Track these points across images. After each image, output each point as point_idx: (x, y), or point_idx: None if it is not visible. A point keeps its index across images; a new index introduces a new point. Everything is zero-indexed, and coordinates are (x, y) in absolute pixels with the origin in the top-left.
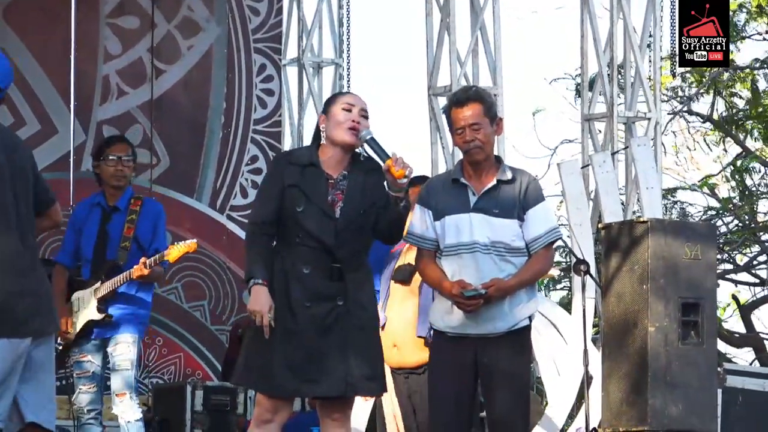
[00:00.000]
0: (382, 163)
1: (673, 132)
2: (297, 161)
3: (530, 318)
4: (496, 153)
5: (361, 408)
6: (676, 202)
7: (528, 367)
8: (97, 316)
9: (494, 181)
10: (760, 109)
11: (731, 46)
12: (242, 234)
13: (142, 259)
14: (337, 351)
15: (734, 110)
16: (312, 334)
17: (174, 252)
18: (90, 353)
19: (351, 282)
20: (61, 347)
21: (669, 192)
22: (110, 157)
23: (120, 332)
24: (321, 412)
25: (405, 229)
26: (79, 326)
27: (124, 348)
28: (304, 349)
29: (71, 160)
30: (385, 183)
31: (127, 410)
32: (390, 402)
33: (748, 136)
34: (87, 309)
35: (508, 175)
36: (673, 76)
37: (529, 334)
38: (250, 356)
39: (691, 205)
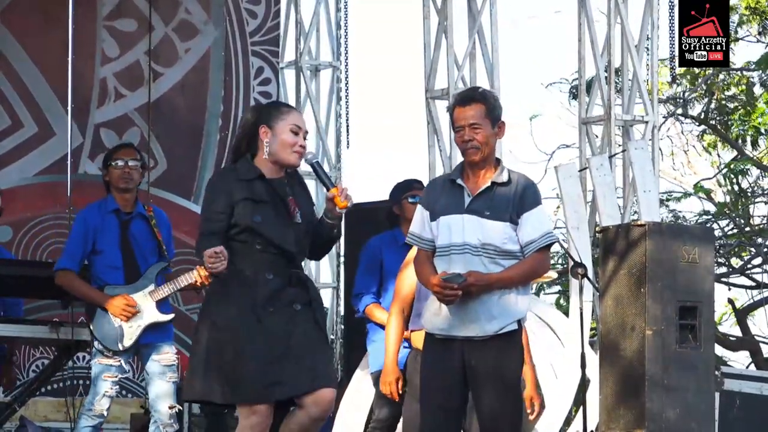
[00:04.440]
0: (325, 189)
1: (669, 136)
2: (244, 177)
3: (519, 322)
4: (499, 158)
5: (359, 411)
6: (671, 211)
7: (517, 371)
8: (163, 318)
9: (488, 183)
10: (757, 117)
11: None
12: None
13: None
14: (301, 353)
15: (727, 113)
16: (276, 338)
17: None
18: (125, 360)
19: (309, 287)
20: (57, 353)
21: (662, 201)
22: (118, 162)
23: (167, 340)
24: (309, 402)
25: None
26: (141, 329)
27: (173, 358)
28: (271, 353)
29: (69, 162)
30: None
31: (171, 422)
32: None
33: (740, 140)
34: (146, 312)
35: (504, 178)
36: (674, 80)
37: (518, 338)
38: (207, 367)
39: (681, 213)
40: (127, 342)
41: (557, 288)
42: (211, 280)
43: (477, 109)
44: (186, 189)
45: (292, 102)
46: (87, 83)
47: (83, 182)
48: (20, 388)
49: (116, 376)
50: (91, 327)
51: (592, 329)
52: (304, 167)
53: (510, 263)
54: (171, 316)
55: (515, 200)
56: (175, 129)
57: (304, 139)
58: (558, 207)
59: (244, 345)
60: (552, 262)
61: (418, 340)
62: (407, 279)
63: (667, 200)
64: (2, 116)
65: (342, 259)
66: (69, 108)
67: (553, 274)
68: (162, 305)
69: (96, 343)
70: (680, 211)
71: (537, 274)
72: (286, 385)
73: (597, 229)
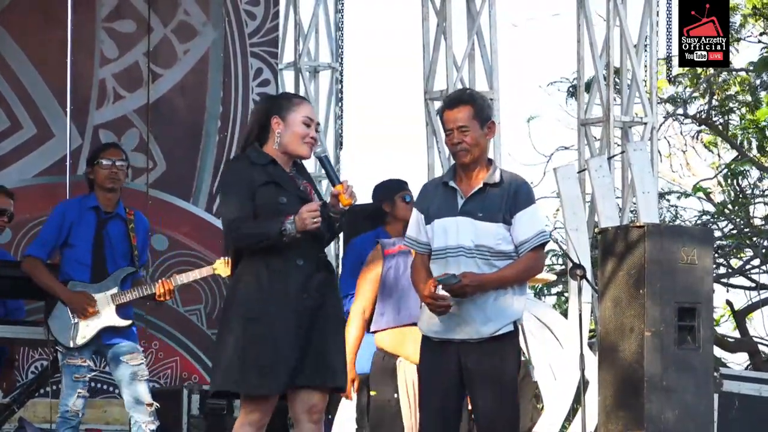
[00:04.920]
0: (331, 185)
1: (666, 138)
2: (257, 162)
3: (515, 324)
4: (491, 158)
5: (353, 412)
6: (672, 206)
7: (514, 372)
8: (121, 323)
9: (480, 184)
10: (762, 120)
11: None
12: None
13: (168, 282)
14: (323, 341)
15: (728, 112)
16: (307, 324)
17: (227, 269)
18: (89, 359)
19: (332, 273)
20: (55, 353)
21: (662, 196)
22: (104, 162)
23: (132, 341)
24: (299, 411)
25: None
26: (95, 330)
27: (141, 357)
28: (303, 341)
29: (68, 164)
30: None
31: (152, 419)
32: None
33: (744, 142)
34: (105, 314)
35: (496, 178)
36: (671, 81)
37: (514, 340)
38: (242, 358)
39: (683, 209)
40: (80, 340)
41: (557, 289)
42: (172, 297)
43: (465, 111)
44: (185, 190)
45: None
46: (86, 84)
47: (82, 183)
48: (19, 389)
49: (85, 377)
50: (48, 321)
51: (590, 330)
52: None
53: (504, 264)
54: (129, 322)
55: (508, 200)
56: (174, 130)
57: (316, 131)
58: (557, 209)
59: (280, 336)
60: (551, 263)
61: (380, 340)
62: (368, 280)
63: (668, 194)
64: (1, 117)
65: (341, 260)
66: (68, 109)
67: (551, 277)
68: (122, 310)
69: (59, 346)
70: (682, 207)
71: (532, 273)
72: (304, 375)
73: (596, 230)
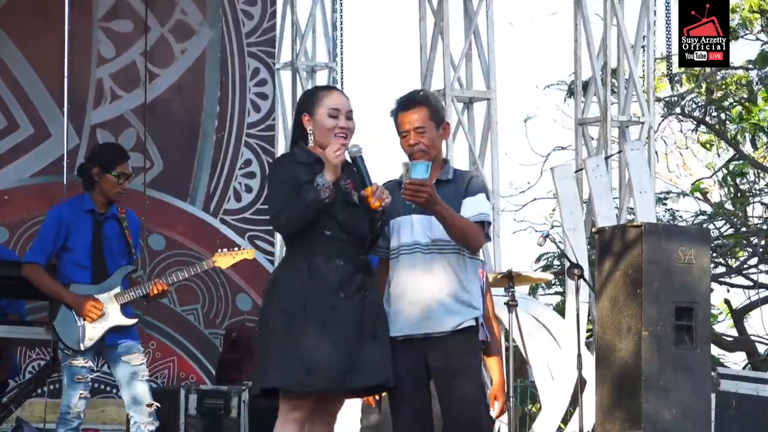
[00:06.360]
0: (362, 186)
1: (663, 139)
2: (303, 161)
3: (476, 320)
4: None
5: (353, 413)
6: (668, 210)
7: (478, 364)
8: (127, 322)
9: (434, 182)
10: (757, 114)
11: None
12: (235, 237)
13: (161, 283)
14: (370, 342)
15: (725, 110)
16: (348, 325)
17: (226, 259)
18: (91, 360)
19: (372, 275)
20: (53, 354)
21: (660, 200)
22: (120, 174)
23: (135, 340)
24: (318, 411)
25: None
26: (102, 331)
27: (142, 357)
28: (344, 341)
29: (65, 163)
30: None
31: (152, 420)
32: None
33: (738, 137)
34: (110, 314)
35: (450, 175)
36: (671, 80)
37: (476, 335)
38: (283, 356)
39: (678, 211)
40: (88, 342)
41: (555, 289)
42: (166, 295)
43: (421, 113)
44: (182, 190)
45: (287, 103)
46: (83, 84)
47: (79, 183)
48: (16, 389)
49: (87, 378)
50: (54, 324)
51: (588, 330)
52: None
53: (461, 256)
54: (135, 320)
55: (461, 192)
56: (171, 130)
57: (347, 119)
58: (554, 209)
59: (321, 333)
60: (547, 263)
61: None
62: None
63: (665, 199)
64: None
65: None
66: (65, 109)
67: (549, 276)
68: (125, 309)
69: (61, 346)
70: (677, 210)
71: (472, 238)
72: (362, 374)
73: (593, 230)
